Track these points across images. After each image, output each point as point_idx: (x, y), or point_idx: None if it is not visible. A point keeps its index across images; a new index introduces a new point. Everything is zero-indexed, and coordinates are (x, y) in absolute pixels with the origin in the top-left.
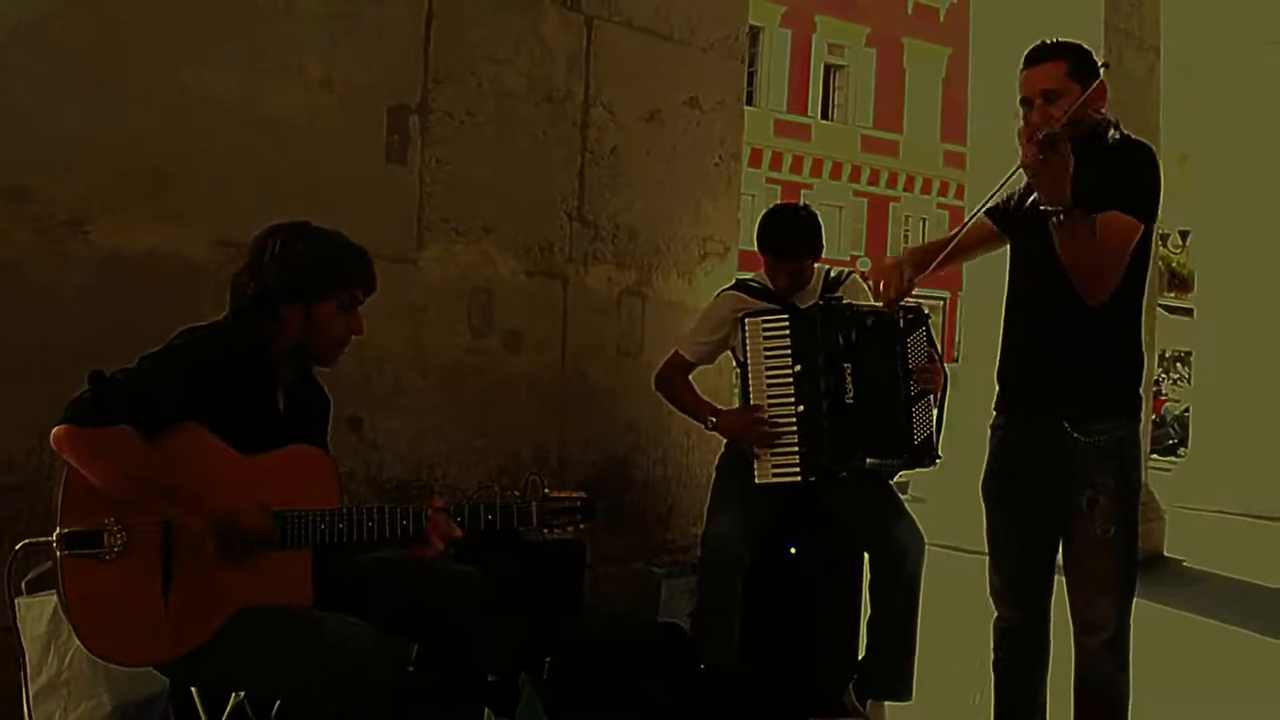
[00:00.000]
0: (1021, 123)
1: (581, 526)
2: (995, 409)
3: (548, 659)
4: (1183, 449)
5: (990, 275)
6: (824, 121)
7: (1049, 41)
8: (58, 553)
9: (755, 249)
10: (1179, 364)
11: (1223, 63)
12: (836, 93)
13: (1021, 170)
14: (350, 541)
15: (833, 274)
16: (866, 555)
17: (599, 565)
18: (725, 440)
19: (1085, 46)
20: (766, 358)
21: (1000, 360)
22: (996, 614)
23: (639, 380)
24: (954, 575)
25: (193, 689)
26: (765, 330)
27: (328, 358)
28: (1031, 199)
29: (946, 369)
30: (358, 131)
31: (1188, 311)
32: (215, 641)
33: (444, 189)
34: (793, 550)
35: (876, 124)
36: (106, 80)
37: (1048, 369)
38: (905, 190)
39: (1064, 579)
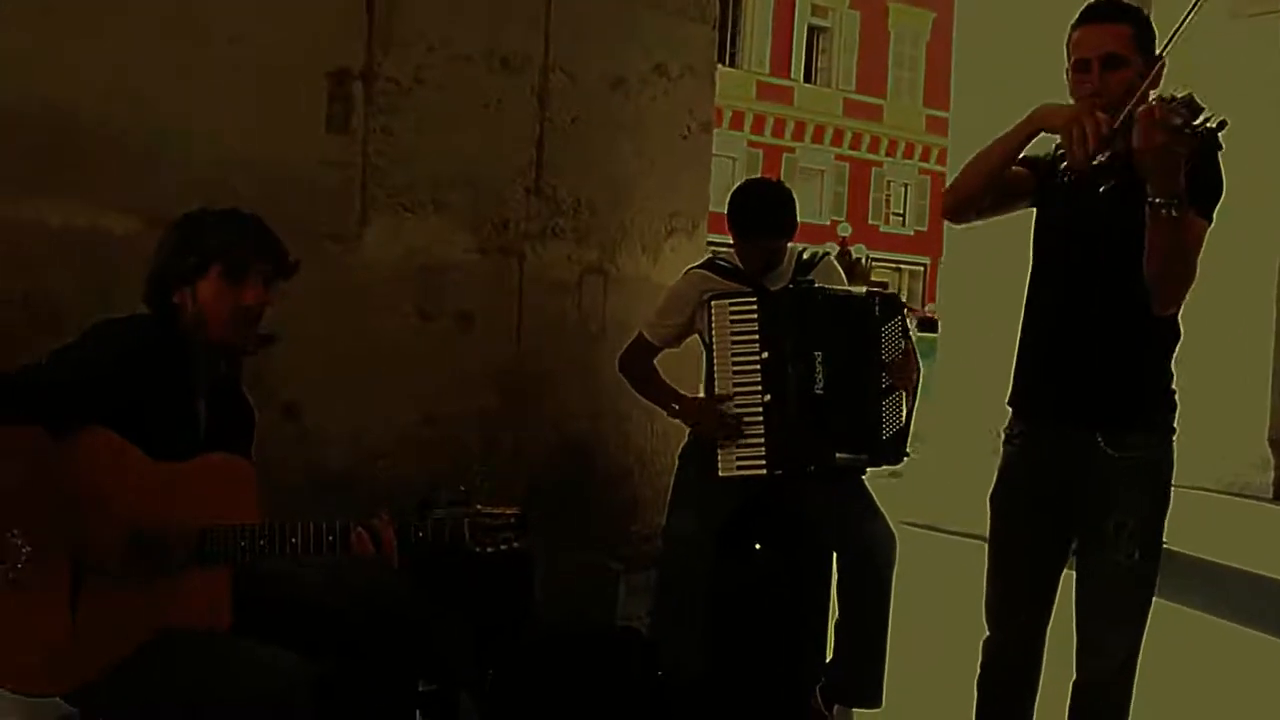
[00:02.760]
0: (1070, 86)
1: (516, 545)
2: (1012, 409)
3: (490, 671)
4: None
5: (973, 239)
6: (806, 84)
7: None
8: None
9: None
10: None
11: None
12: (820, 55)
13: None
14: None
15: (806, 255)
16: (835, 554)
17: (555, 556)
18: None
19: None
20: (733, 342)
21: (1021, 359)
22: (989, 634)
23: (600, 363)
24: (928, 561)
25: None
26: (733, 313)
27: (227, 336)
28: (1068, 171)
29: (920, 363)
30: (296, 98)
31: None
32: (129, 669)
33: (389, 161)
34: (757, 547)
35: (859, 88)
36: (17, 42)
37: (1082, 374)
38: (887, 155)
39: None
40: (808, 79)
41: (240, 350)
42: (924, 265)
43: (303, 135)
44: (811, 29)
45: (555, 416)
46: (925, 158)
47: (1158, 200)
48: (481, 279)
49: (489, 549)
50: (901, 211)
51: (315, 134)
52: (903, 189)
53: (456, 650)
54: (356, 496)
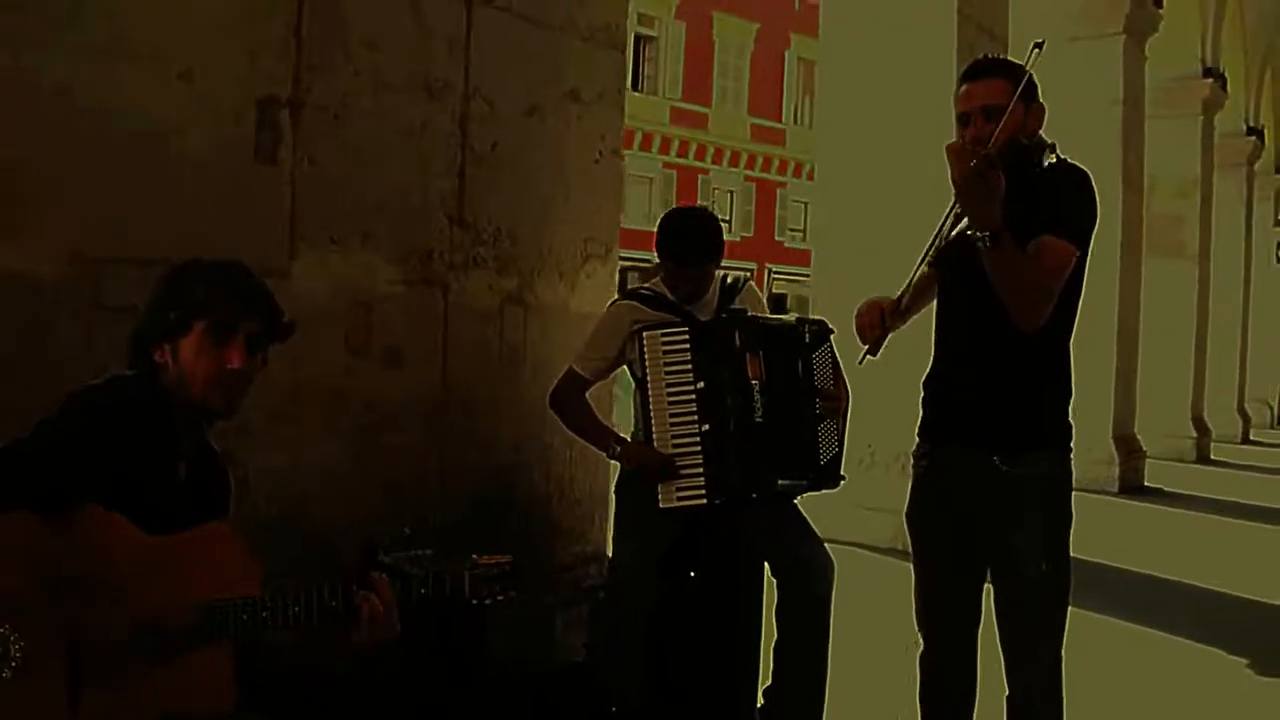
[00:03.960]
0: (956, 137)
1: (513, 594)
2: (919, 435)
3: None
4: None
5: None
6: (635, 93)
7: (991, 57)
8: None
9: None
10: None
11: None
12: (646, 63)
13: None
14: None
15: (729, 280)
16: (776, 580)
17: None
18: None
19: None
20: (667, 373)
21: (927, 388)
22: (923, 646)
23: (522, 393)
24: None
25: None
26: (665, 344)
27: (209, 399)
28: (959, 226)
29: (850, 390)
30: (224, 126)
31: None
32: None
33: (318, 192)
34: (692, 574)
35: (685, 96)
36: None
37: (975, 399)
38: (714, 163)
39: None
40: (635, 87)
41: (221, 415)
42: (749, 271)
43: (232, 165)
44: (639, 38)
45: (479, 448)
46: (750, 165)
47: (973, 234)
48: (408, 311)
49: (487, 600)
50: (727, 218)
51: (245, 164)
52: (728, 196)
53: (429, 700)
54: (291, 539)
